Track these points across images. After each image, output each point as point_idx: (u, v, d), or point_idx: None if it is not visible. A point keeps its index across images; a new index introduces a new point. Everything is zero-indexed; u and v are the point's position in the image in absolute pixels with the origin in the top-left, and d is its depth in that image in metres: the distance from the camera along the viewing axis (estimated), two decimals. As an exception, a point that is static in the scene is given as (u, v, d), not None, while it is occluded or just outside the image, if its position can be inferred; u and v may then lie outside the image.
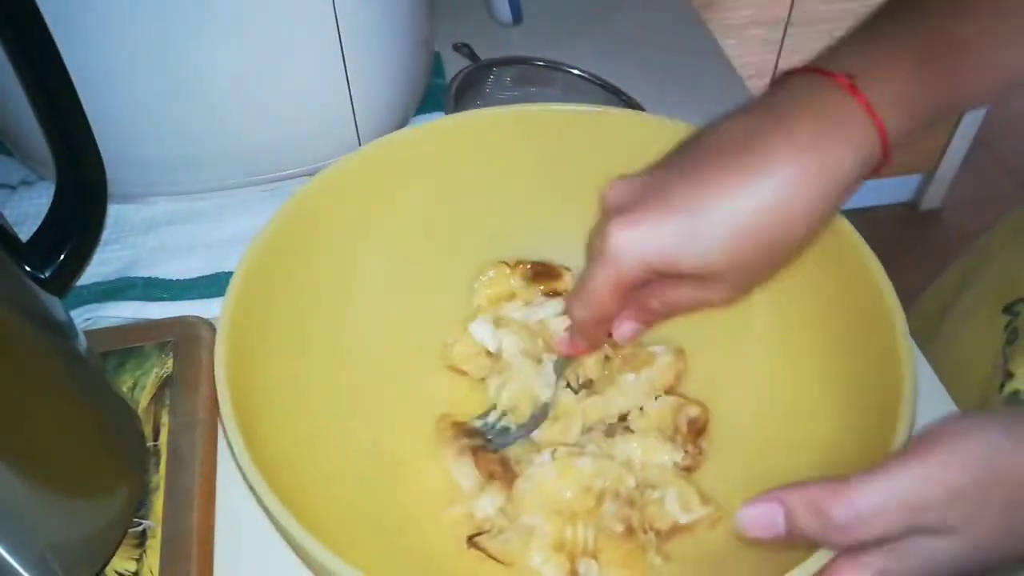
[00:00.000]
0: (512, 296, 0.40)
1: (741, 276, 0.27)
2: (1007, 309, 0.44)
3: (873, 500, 0.22)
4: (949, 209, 1.54)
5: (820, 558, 0.24)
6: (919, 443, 0.23)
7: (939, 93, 0.27)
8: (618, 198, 0.28)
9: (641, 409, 0.37)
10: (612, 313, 0.30)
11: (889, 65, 0.26)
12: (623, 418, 0.37)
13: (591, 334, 0.32)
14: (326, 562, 0.24)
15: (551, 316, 0.39)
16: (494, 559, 0.32)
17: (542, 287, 0.40)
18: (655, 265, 0.27)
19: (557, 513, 0.33)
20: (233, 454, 0.27)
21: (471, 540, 0.33)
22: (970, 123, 1.41)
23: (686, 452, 0.35)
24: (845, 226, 0.33)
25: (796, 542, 0.23)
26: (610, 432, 0.36)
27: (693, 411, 0.36)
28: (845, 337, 0.33)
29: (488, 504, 0.33)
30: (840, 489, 0.22)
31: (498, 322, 0.39)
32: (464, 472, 0.35)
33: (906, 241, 1.48)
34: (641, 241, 0.26)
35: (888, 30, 0.27)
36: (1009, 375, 0.41)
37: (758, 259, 0.26)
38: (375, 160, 0.37)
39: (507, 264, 0.40)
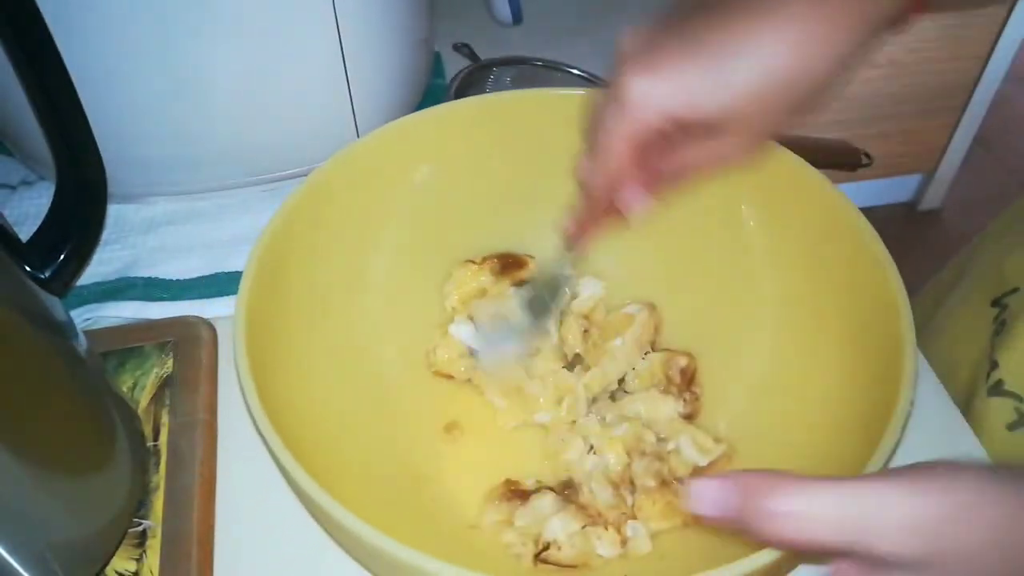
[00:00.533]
0: (483, 292, 0.40)
1: (765, 121, 0.26)
2: (995, 302, 0.45)
3: (817, 503, 0.20)
4: (949, 209, 1.54)
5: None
6: (891, 471, 0.21)
7: None
8: (635, 46, 0.27)
9: (634, 369, 0.38)
10: (626, 172, 0.28)
11: None
12: (620, 382, 0.38)
13: (600, 201, 0.29)
14: (374, 540, 0.23)
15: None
16: (566, 566, 0.32)
17: (510, 279, 0.40)
18: (678, 112, 0.26)
19: (603, 488, 0.34)
20: (262, 437, 0.27)
21: (539, 558, 0.32)
22: (970, 123, 1.41)
23: (684, 400, 0.37)
24: (855, 214, 0.33)
25: (738, 530, 0.21)
26: (613, 398, 0.38)
27: (682, 361, 0.38)
28: (845, 292, 0.33)
29: (560, 528, 0.32)
30: (787, 481, 0.20)
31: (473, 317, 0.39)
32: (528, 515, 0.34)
33: (905, 241, 1.48)
34: (664, 86, 0.25)
35: None
36: (995, 364, 0.42)
37: (784, 101, 0.26)
38: (379, 146, 0.38)
39: (473, 262, 0.40)
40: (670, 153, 0.28)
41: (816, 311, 0.35)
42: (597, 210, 0.30)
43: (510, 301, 0.37)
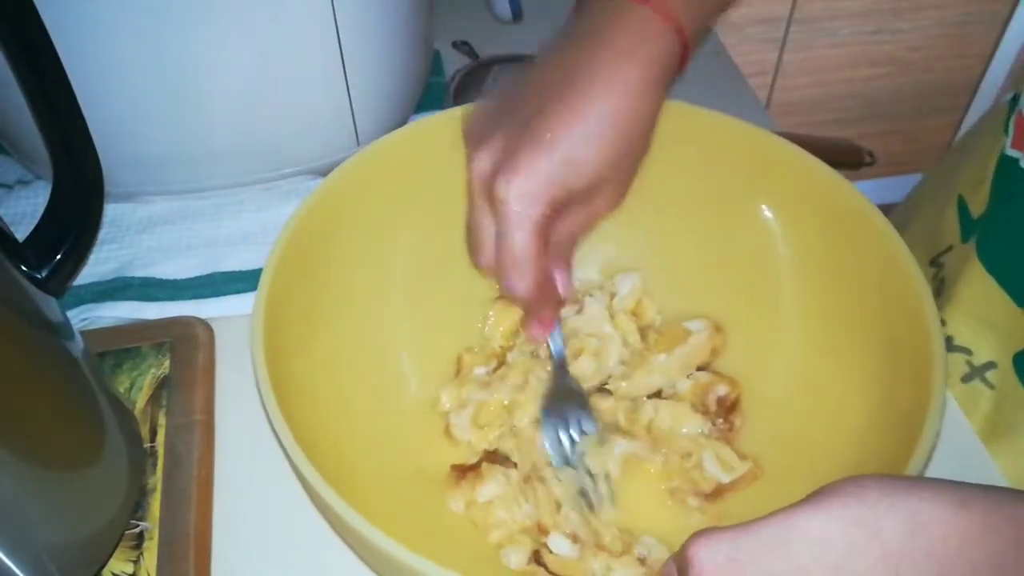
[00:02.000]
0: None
1: (620, 175, 0.32)
2: (932, 262, 0.46)
3: (733, 543, 0.21)
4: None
5: None
6: (812, 498, 0.22)
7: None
8: (490, 161, 0.31)
9: (674, 387, 0.37)
10: (542, 264, 0.31)
11: None
12: (656, 396, 0.37)
13: (541, 300, 0.33)
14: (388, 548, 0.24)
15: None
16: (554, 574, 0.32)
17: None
18: (554, 198, 0.30)
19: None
20: (280, 443, 0.27)
21: (538, 559, 0.32)
22: (973, 121, 1.41)
23: (714, 425, 0.36)
24: (878, 218, 0.33)
25: None
26: (635, 407, 0.37)
27: (722, 389, 0.37)
28: (878, 320, 0.33)
29: (564, 548, 0.32)
30: (706, 533, 0.22)
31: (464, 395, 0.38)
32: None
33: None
34: (535, 182, 0.30)
35: None
36: (942, 322, 0.42)
37: (626, 156, 0.31)
38: (403, 144, 0.37)
39: (504, 298, 0.39)
40: (556, 229, 0.32)
41: (843, 323, 0.34)
42: (541, 303, 0.34)
43: (544, 435, 0.36)
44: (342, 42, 0.42)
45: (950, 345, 0.43)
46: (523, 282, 0.31)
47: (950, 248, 0.45)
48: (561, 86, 0.30)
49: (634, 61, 0.30)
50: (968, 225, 0.43)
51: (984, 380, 0.41)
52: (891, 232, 0.32)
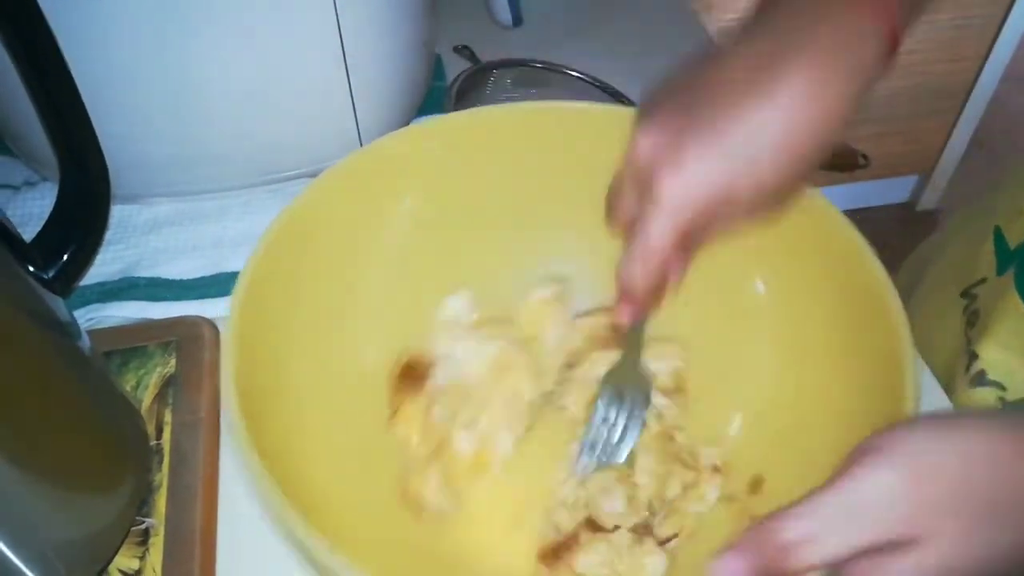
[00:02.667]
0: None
1: (789, 185, 0.28)
2: (964, 293, 0.46)
3: (813, 516, 0.22)
4: (946, 210, 1.54)
5: None
6: (867, 452, 0.22)
7: None
8: (654, 147, 0.28)
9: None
10: (668, 262, 0.29)
11: None
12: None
13: (649, 292, 0.30)
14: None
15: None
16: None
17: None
18: (715, 201, 0.27)
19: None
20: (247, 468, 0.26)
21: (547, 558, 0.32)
22: (967, 123, 1.41)
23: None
24: (846, 228, 0.33)
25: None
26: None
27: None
28: (847, 329, 0.33)
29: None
30: (784, 514, 0.22)
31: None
32: None
33: (903, 241, 1.48)
34: (698, 182, 0.27)
35: None
36: (974, 356, 0.43)
37: (805, 165, 0.27)
38: (376, 160, 0.37)
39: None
40: (704, 227, 0.29)
41: (813, 327, 0.34)
42: (645, 299, 0.31)
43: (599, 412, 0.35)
44: (345, 46, 0.43)
45: (983, 379, 0.42)
46: (642, 278, 0.29)
47: (984, 280, 0.44)
48: (748, 81, 0.27)
49: (838, 68, 0.26)
50: (1005, 257, 0.42)
51: None
52: (859, 240, 0.32)
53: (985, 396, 0.42)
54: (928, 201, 1.54)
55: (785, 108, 0.26)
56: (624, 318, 0.32)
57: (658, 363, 0.37)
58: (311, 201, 0.35)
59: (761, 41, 0.28)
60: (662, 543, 0.33)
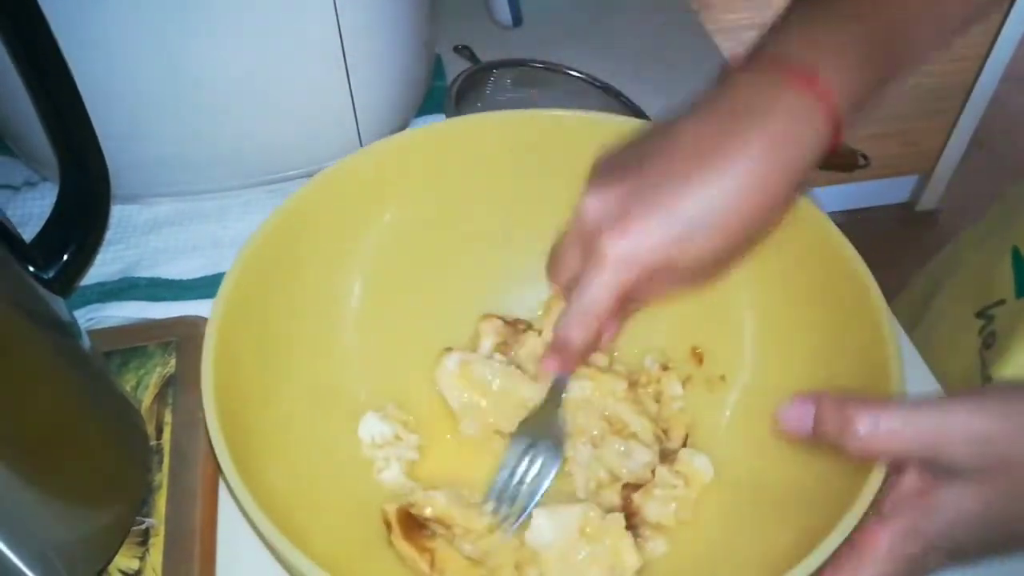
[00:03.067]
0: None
1: (730, 260, 0.29)
2: (980, 314, 0.45)
3: (896, 421, 0.23)
4: (946, 210, 1.55)
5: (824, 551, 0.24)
6: (957, 393, 0.24)
7: (883, 70, 0.29)
8: (602, 210, 0.29)
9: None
10: (606, 323, 0.30)
11: (839, 53, 0.28)
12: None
13: (583, 350, 0.31)
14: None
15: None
16: None
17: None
18: (653, 268, 0.28)
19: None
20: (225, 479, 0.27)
21: None
22: (967, 124, 1.41)
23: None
24: (828, 225, 0.33)
25: (822, 443, 0.24)
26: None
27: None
28: (832, 330, 0.33)
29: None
30: (870, 404, 0.24)
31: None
32: None
33: (902, 241, 1.49)
34: (640, 248, 0.28)
35: (830, 10, 0.29)
36: (989, 379, 0.43)
37: (746, 242, 0.29)
38: (364, 167, 0.37)
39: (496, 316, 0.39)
40: (642, 290, 0.30)
41: (796, 324, 0.35)
42: (581, 356, 0.32)
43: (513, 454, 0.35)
44: (345, 46, 0.43)
45: None
46: (580, 336, 0.30)
47: (1002, 302, 0.44)
48: (696, 157, 0.28)
49: (784, 152, 0.27)
50: None
51: None
52: (840, 238, 0.32)
53: None
54: (928, 201, 1.54)
55: (729, 188, 0.27)
56: (551, 368, 0.33)
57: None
58: (290, 211, 0.34)
59: (716, 116, 0.29)
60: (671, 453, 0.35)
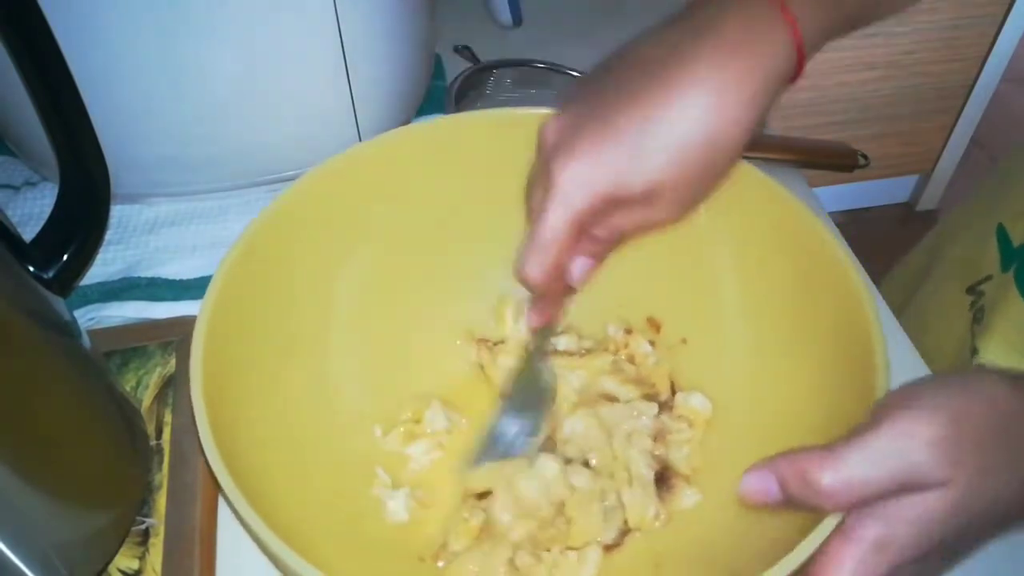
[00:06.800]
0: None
1: (688, 189, 0.27)
2: (970, 290, 0.46)
3: (856, 465, 0.22)
4: (946, 210, 1.55)
5: (805, 549, 0.24)
6: (886, 407, 0.23)
7: (852, 11, 0.28)
8: (556, 135, 0.28)
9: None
10: (566, 255, 0.29)
11: None
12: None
13: (551, 286, 0.30)
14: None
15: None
16: None
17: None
18: (606, 192, 0.27)
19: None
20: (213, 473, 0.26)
21: None
22: (967, 124, 1.41)
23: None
24: (816, 223, 0.33)
25: (795, 508, 0.24)
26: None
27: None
28: (816, 313, 0.33)
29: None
30: (825, 458, 0.23)
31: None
32: None
33: (902, 242, 1.48)
34: (590, 170, 0.26)
35: None
36: (975, 351, 0.43)
37: (702, 169, 0.27)
38: (354, 166, 0.36)
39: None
40: (606, 221, 0.29)
41: (788, 327, 0.34)
42: (551, 295, 0.31)
43: (501, 418, 0.35)
44: (345, 46, 0.43)
45: None
46: (536, 267, 0.28)
47: (989, 277, 0.44)
48: (649, 72, 0.26)
49: (739, 59, 0.25)
50: (1009, 254, 0.43)
51: None
52: (831, 237, 0.32)
53: None
54: (928, 201, 1.54)
55: (677, 103, 0.25)
56: (534, 323, 0.32)
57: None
58: (279, 212, 0.34)
59: (674, 33, 0.27)
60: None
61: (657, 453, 0.35)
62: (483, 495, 0.34)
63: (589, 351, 0.39)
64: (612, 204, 0.27)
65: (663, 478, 0.34)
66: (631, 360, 0.39)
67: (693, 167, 0.26)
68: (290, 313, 0.35)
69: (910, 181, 1.54)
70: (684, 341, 0.38)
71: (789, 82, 0.27)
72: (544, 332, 0.35)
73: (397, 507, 0.34)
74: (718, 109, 0.25)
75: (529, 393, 0.35)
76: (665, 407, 0.37)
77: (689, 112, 0.25)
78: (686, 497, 0.34)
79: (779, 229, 0.34)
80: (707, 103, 0.25)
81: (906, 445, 0.22)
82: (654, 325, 0.39)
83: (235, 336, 0.31)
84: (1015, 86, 1.52)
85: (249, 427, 0.30)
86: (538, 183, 0.29)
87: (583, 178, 0.27)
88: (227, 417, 0.29)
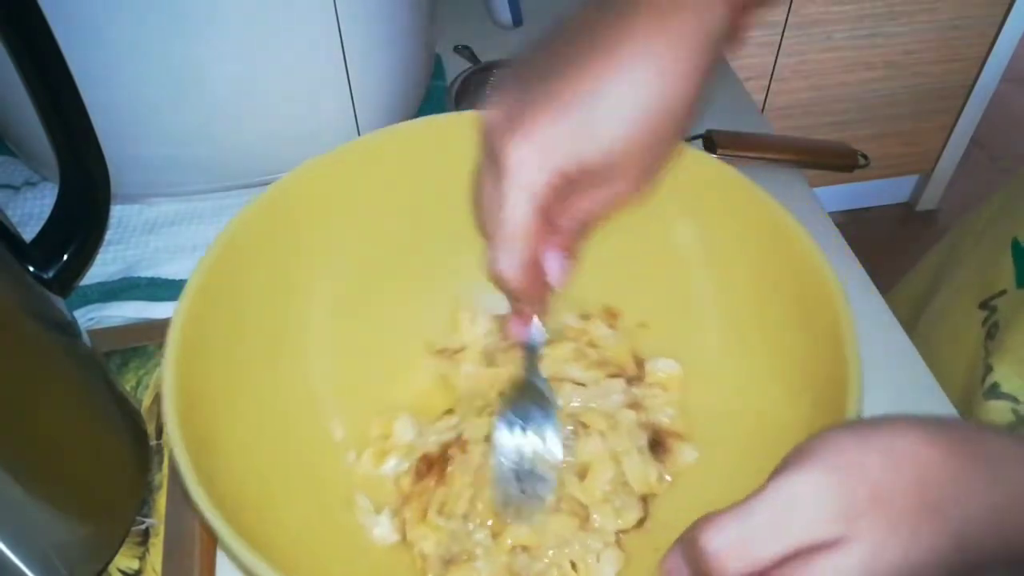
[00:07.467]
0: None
1: (645, 155, 0.27)
2: (983, 305, 0.45)
3: (740, 524, 0.21)
4: (946, 210, 1.55)
5: None
6: (794, 457, 0.22)
7: None
8: (500, 122, 0.26)
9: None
10: (536, 245, 0.27)
11: None
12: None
13: (527, 288, 0.28)
14: None
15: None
16: None
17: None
18: (563, 168, 0.26)
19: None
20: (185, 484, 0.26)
21: None
22: (967, 124, 1.41)
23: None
24: (790, 223, 0.33)
25: None
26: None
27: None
28: (791, 316, 0.33)
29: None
30: (712, 522, 0.21)
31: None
32: None
33: (902, 242, 1.49)
34: (543, 149, 0.26)
35: None
36: (989, 368, 0.42)
37: (658, 131, 0.26)
38: (331, 168, 0.36)
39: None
40: (568, 207, 0.28)
41: (759, 314, 0.34)
42: (529, 298, 0.30)
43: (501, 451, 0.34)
44: (345, 46, 0.43)
45: (996, 392, 0.41)
46: (510, 262, 0.27)
47: (1004, 292, 0.44)
48: (590, 43, 0.26)
49: (677, 19, 0.25)
50: (1023, 269, 0.42)
51: None
52: (805, 237, 0.31)
53: (999, 409, 0.41)
54: (928, 201, 1.54)
55: (628, 70, 0.25)
56: (517, 331, 0.31)
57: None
58: (255, 215, 0.34)
59: (604, 4, 0.27)
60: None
61: (643, 420, 0.35)
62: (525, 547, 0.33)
63: (549, 343, 0.37)
64: (571, 183, 0.26)
65: (658, 441, 0.34)
66: (592, 345, 0.38)
67: (648, 131, 0.26)
68: (250, 340, 0.34)
69: (910, 181, 1.54)
70: (643, 325, 0.38)
71: (731, 38, 0.27)
72: (531, 348, 0.34)
73: (383, 532, 0.33)
74: (665, 69, 0.25)
75: (533, 412, 0.34)
76: (635, 381, 0.37)
77: (637, 75, 0.25)
78: (685, 454, 0.34)
79: (734, 208, 0.33)
80: (654, 64, 0.25)
81: (791, 502, 0.20)
82: (612, 314, 0.39)
83: (210, 341, 0.31)
84: (1015, 86, 1.52)
85: (224, 434, 0.30)
86: (486, 178, 0.27)
87: (537, 157, 0.26)
88: (208, 468, 0.27)
